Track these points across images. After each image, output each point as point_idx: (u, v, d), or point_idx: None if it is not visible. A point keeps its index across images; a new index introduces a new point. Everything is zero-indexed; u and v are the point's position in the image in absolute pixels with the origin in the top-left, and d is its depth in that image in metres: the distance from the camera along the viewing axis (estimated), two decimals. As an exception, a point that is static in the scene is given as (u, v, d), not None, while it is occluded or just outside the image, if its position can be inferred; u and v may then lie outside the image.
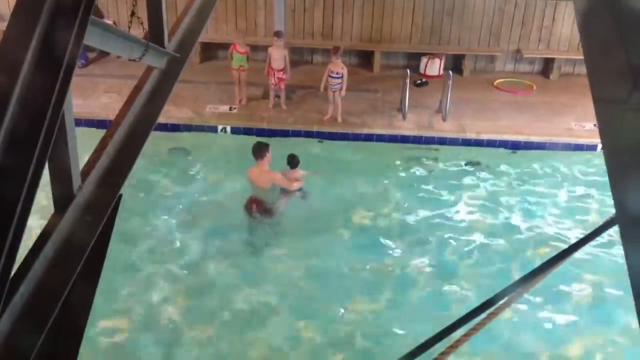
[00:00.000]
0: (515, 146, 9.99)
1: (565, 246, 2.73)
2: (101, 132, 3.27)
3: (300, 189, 8.31)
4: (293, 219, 8.18)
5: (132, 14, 3.64)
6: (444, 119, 10.25)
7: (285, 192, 8.22)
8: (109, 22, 10.93)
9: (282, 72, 10.35)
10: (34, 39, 2.07)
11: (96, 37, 2.80)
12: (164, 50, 3.97)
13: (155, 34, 3.89)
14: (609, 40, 1.84)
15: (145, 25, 3.87)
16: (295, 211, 8.23)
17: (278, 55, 10.28)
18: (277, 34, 10.37)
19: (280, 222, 8.17)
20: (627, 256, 1.61)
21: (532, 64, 12.37)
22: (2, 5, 11.93)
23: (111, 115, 3.57)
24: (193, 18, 4.66)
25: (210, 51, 12.28)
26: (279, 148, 8.57)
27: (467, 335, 2.79)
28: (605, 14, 1.87)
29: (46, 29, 2.10)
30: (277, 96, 10.60)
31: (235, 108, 10.57)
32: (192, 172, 9.22)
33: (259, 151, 8.06)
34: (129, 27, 3.65)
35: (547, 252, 7.55)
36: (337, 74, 9.96)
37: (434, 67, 12.00)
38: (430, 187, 9.00)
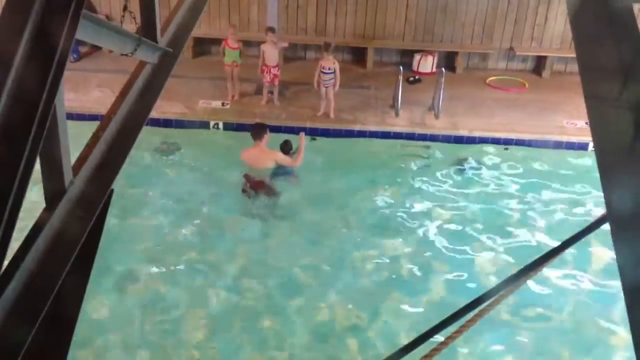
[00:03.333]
0: (507, 144, 10.01)
1: (555, 244, 2.73)
2: (93, 127, 3.26)
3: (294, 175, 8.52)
4: (289, 201, 8.34)
5: (125, 8, 3.62)
6: (437, 116, 10.26)
7: (279, 174, 8.37)
8: (101, 16, 10.89)
9: (277, 69, 10.35)
10: (26, 32, 2.06)
11: (88, 32, 2.79)
12: (156, 45, 3.96)
13: (147, 29, 3.88)
14: (600, 38, 1.86)
15: (138, 20, 3.85)
16: (290, 193, 8.41)
17: (272, 52, 10.27)
18: (270, 30, 10.37)
19: (278, 201, 8.27)
20: (618, 253, 1.62)
21: (524, 62, 12.41)
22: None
23: (103, 110, 3.56)
24: (186, 13, 4.65)
25: (203, 46, 12.27)
26: (271, 144, 8.62)
27: (457, 332, 2.81)
28: (597, 13, 1.88)
29: (38, 23, 2.09)
30: (270, 92, 10.59)
31: (227, 104, 10.55)
32: (184, 167, 9.20)
33: (259, 132, 8.16)
34: (122, 22, 3.64)
35: (537, 250, 7.58)
36: (328, 69, 9.96)
37: (426, 64, 12.02)
38: (422, 184, 9.01)
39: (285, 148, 8.59)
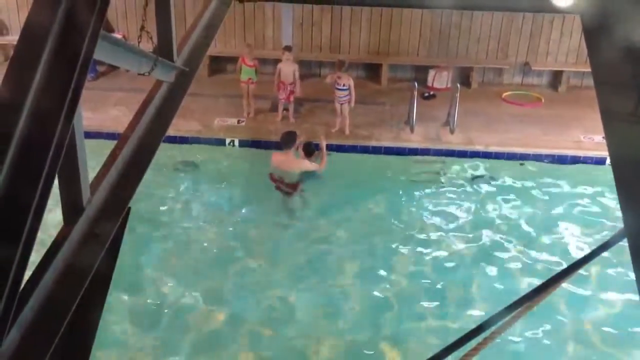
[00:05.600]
0: (523, 159, 9.95)
1: (572, 261, 2.71)
2: (110, 145, 3.29)
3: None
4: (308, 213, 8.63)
5: (142, 28, 3.67)
6: (452, 132, 10.24)
7: (305, 180, 8.67)
8: (119, 36, 11.02)
9: (292, 85, 10.42)
10: (45, 53, 2.09)
11: (106, 52, 2.83)
12: (172, 64, 4.01)
13: (164, 48, 3.93)
14: (615, 54, 1.85)
15: (155, 40, 3.90)
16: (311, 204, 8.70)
17: (288, 70, 10.34)
18: (287, 49, 10.43)
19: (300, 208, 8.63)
20: (636, 268, 1.61)
21: (540, 77, 12.36)
22: (12, 18, 12.07)
23: (120, 128, 3.59)
24: (201, 32, 4.70)
25: (219, 64, 12.36)
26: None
27: (475, 349, 2.79)
28: (611, 29, 1.88)
29: (57, 43, 2.13)
30: (286, 109, 10.64)
31: (243, 121, 10.61)
32: (200, 184, 9.24)
33: (289, 140, 8.50)
34: (139, 42, 3.68)
35: (554, 267, 7.52)
36: (343, 85, 9.98)
37: (441, 79, 12.01)
38: (437, 200, 8.97)
39: (309, 150, 8.80)
